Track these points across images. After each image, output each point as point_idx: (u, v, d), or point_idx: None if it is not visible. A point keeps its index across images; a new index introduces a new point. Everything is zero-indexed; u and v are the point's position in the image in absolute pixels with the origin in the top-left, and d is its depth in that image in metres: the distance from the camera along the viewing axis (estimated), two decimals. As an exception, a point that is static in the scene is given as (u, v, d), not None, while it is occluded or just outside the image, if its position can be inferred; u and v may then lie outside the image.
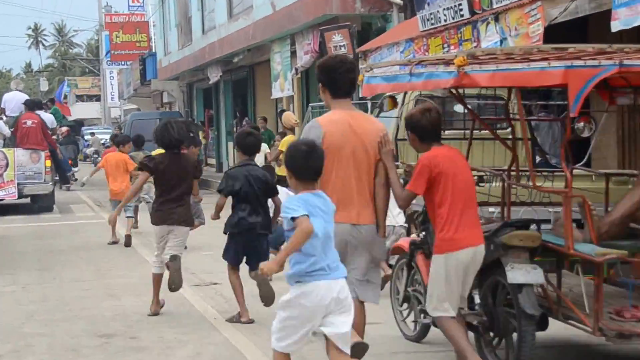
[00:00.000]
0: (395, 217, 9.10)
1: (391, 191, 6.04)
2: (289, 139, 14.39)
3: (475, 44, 12.32)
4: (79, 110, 73.89)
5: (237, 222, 8.30)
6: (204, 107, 36.52)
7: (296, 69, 21.04)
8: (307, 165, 5.19)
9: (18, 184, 19.14)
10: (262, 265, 5.04)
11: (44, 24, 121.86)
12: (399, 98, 10.19)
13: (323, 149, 5.39)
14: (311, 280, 5.06)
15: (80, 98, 78.62)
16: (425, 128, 6.15)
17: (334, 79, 6.01)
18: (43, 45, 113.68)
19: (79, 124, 53.81)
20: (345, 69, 6.02)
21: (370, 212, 5.95)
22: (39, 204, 20.02)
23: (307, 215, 4.96)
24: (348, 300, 5.16)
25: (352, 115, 6.01)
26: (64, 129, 28.08)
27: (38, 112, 20.04)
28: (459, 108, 11.56)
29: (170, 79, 37.64)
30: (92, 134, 47.23)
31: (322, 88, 6.10)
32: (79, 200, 23.56)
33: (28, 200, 20.22)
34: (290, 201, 5.10)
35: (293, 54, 21.37)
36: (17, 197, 19.37)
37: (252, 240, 8.34)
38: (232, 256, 8.43)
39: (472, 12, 12.39)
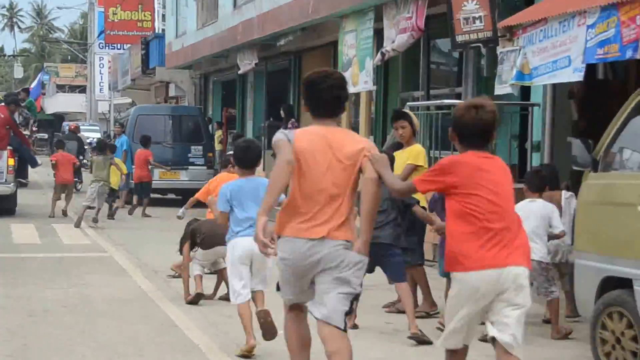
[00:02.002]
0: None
1: None
2: (419, 149, 10.51)
3: None
4: (59, 103, 70.93)
5: None
6: (222, 105, 33.30)
7: (382, 54, 16.82)
8: (245, 156, 8.12)
9: (-24, 184, 19.22)
10: None
11: (20, 2, 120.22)
12: None
13: (259, 146, 8.45)
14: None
15: (61, 88, 76.48)
16: (466, 127, 5.72)
17: (315, 96, 6.03)
18: (19, 27, 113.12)
19: (58, 119, 50.50)
20: (328, 85, 5.97)
21: (345, 228, 5.91)
22: (0, 207, 20.32)
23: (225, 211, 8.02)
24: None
25: (331, 131, 6.02)
26: (72, 124, 27.81)
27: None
28: None
29: (181, 68, 34.13)
30: (77, 130, 43.79)
31: (304, 106, 6.24)
32: (58, 213, 20.60)
33: None
34: (219, 195, 8.17)
35: (377, 33, 17.29)
36: None
37: None
38: None
39: None
